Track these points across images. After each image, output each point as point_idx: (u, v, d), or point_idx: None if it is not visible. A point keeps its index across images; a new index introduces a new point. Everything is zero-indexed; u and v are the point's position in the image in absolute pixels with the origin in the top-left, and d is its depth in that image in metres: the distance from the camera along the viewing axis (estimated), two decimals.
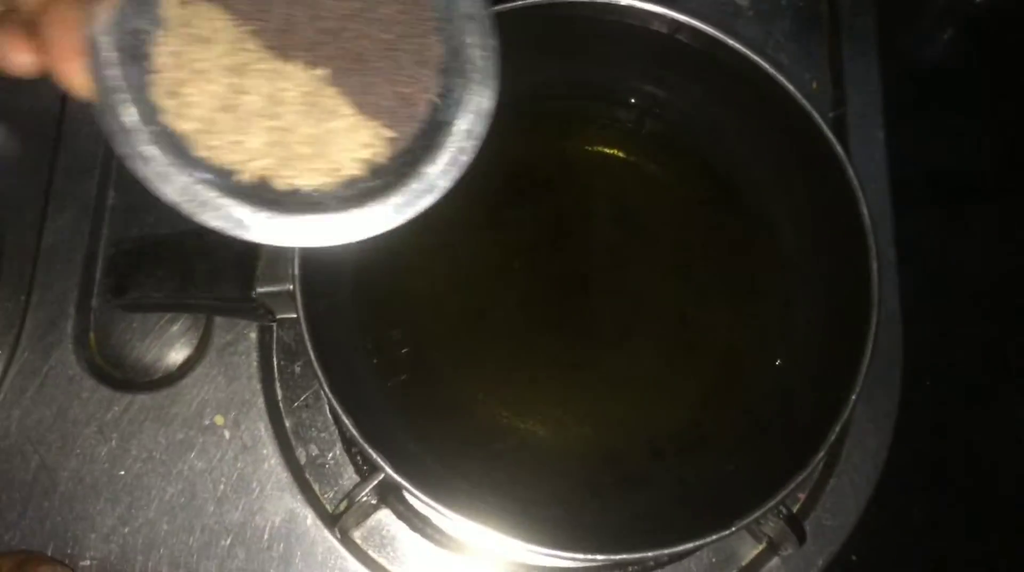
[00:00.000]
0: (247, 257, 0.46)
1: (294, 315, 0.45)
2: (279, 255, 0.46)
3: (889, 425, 0.57)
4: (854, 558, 0.57)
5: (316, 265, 0.46)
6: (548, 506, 0.50)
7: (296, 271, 0.45)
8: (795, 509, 0.56)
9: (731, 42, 0.48)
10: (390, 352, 0.54)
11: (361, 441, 0.42)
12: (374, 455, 0.42)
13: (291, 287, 0.45)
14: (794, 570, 0.54)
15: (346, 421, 0.42)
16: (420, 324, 0.55)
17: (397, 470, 0.43)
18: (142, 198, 0.59)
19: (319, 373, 0.43)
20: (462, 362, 0.54)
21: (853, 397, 0.44)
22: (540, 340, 0.54)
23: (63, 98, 0.61)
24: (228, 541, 0.53)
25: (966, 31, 0.71)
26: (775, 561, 0.54)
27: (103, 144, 0.60)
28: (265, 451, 0.55)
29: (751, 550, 0.55)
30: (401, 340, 0.54)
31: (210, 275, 0.47)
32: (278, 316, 0.49)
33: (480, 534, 0.43)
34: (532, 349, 0.54)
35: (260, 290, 0.46)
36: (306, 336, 0.44)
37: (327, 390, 0.43)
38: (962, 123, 0.67)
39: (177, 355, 0.57)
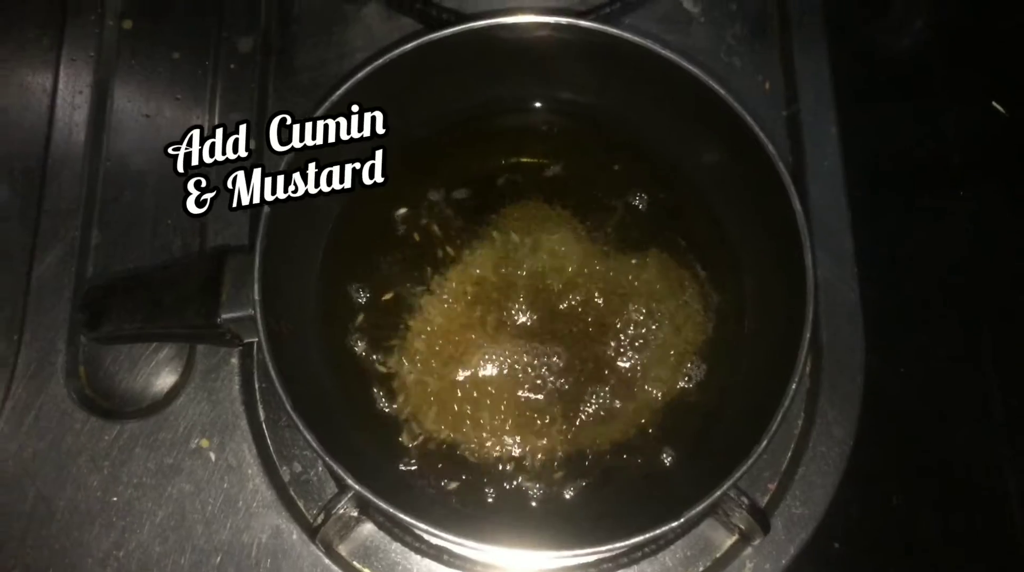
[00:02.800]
0: (212, 286, 0.48)
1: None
2: (242, 283, 0.48)
3: (854, 414, 0.58)
4: (836, 546, 0.58)
5: (278, 291, 0.49)
6: (517, 511, 0.52)
7: (256, 297, 0.47)
8: (765, 500, 0.57)
9: (663, 51, 0.50)
10: (361, 373, 0.55)
11: (321, 453, 0.44)
12: (335, 466, 0.44)
13: (252, 312, 0.47)
14: (767, 558, 0.56)
15: (306, 435, 0.44)
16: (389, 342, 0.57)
17: (360, 482, 0.45)
18: (124, 236, 0.62)
19: (281, 392, 0.45)
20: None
21: (792, 386, 0.45)
22: (508, 357, 0.56)
23: (46, 139, 0.63)
24: (218, 560, 0.55)
25: (935, 21, 0.72)
26: (748, 551, 0.56)
27: (86, 184, 0.62)
28: (250, 471, 0.57)
29: (725, 541, 0.56)
30: (370, 358, 0.56)
31: (177, 304, 0.49)
32: (245, 340, 0.51)
33: (450, 542, 0.45)
34: (501, 366, 0.55)
35: (224, 316, 0.48)
36: (268, 358, 0.46)
37: (289, 408, 0.45)
38: (919, 113, 0.68)
39: (163, 383, 0.60)
